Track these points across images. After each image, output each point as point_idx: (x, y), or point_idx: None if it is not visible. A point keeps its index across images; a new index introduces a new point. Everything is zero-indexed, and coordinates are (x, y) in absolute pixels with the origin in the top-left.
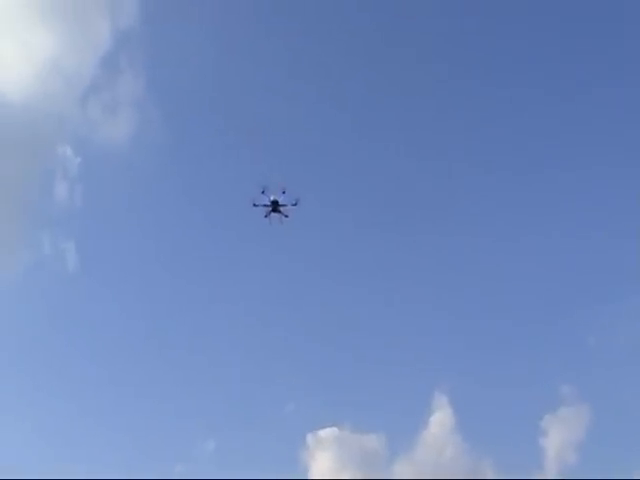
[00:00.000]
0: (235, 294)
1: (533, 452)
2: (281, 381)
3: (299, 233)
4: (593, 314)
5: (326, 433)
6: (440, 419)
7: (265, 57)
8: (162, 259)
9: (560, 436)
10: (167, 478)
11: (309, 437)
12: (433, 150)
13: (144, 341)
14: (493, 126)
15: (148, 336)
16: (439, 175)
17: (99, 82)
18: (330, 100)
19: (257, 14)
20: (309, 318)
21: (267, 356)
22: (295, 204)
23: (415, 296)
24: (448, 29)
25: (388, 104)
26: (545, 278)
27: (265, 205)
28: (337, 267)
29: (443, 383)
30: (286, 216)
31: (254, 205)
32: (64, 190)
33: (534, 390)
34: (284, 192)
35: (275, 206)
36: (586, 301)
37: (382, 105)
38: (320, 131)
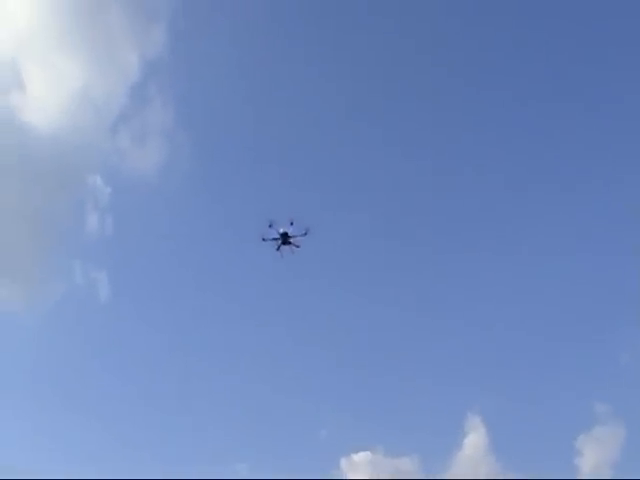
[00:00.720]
0: (268, 319)
1: (568, 472)
2: (314, 406)
3: (323, 259)
4: (626, 332)
5: (359, 457)
6: (474, 440)
7: (295, 82)
8: (193, 286)
9: (595, 455)
10: (167, 478)
11: (343, 461)
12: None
13: (176, 367)
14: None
15: (180, 363)
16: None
17: (128, 111)
18: (365, 122)
19: (285, 40)
20: (341, 344)
21: (300, 381)
22: (305, 234)
23: (445, 316)
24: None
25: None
26: (579, 296)
27: (274, 239)
28: (363, 290)
29: (476, 404)
30: (297, 246)
31: (263, 240)
32: (95, 220)
33: (568, 409)
34: (292, 223)
35: (285, 238)
36: (619, 320)
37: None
38: (353, 151)
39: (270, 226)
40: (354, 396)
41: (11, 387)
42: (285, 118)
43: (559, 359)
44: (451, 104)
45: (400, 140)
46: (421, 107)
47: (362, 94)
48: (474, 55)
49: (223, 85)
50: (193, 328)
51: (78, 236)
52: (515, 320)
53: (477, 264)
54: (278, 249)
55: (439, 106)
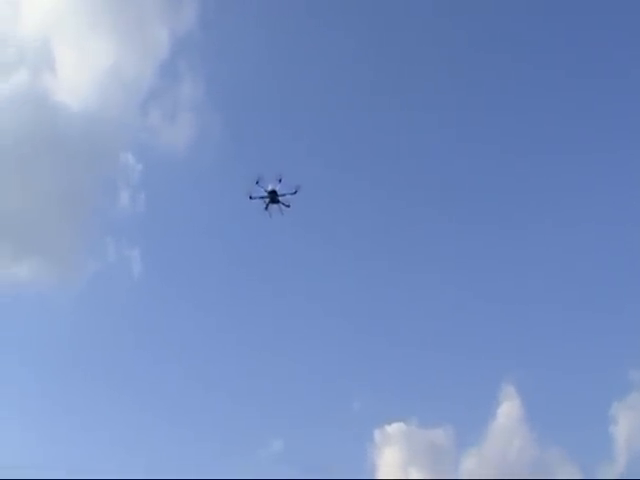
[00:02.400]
0: (298, 294)
1: (602, 440)
2: (347, 378)
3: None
4: None
5: (393, 429)
6: (508, 410)
7: (325, 57)
8: (225, 262)
9: (629, 423)
10: (167, 478)
11: (376, 433)
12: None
13: (210, 343)
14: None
15: (214, 338)
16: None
17: (159, 89)
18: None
19: (316, 14)
20: (373, 314)
21: (332, 353)
22: (295, 192)
23: (478, 285)
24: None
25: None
26: (612, 262)
27: (262, 197)
28: (394, 258)
29: (510, 373)
30: (287, 206)
31: (250, 198)
32: (127, 197)
33: (602, 377)
34: (280, 180)
35: (273, 196)
36: None
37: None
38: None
39: (257, 183)
40: (386, 367)
41: (45, 365)
42: (319, 91)
43: (592, 327)
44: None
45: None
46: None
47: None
48: None
49: (253, 61)
50: (224, 301)
51: (110, 213)
52: (547, 288)
53: (509, 235)
54: (266, 208)
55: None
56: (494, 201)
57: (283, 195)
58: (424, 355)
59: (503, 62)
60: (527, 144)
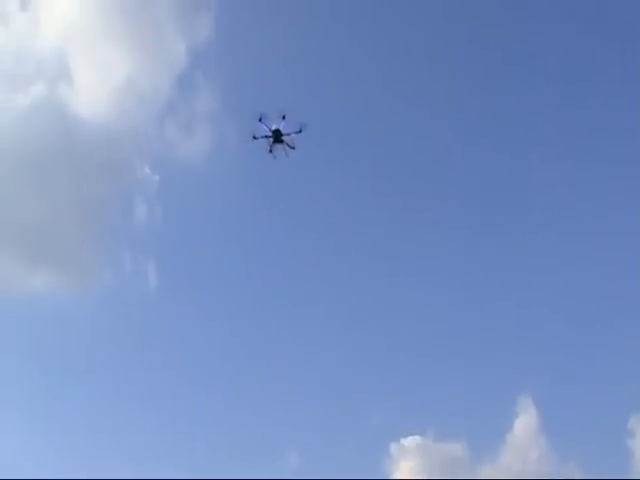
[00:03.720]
0: (317, 305)
1: (620, 453)
2: (363, 391)
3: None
4: None
5: (409, 442)
6: (525, 422)
7: (341, 64)
8: (243, 274)
9: None
10: (167, 477)
11: (392, 446)
12: None
13: (224, 356)
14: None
15: (228, 351)
16: None
17: (175, 100)
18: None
19: (332, 26)
20: (389, 326)
21: (348, 366)
22: (300, 131)
23: (494, 295)
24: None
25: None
26: (629, 274)
27: (266, 136)
28: (409, 264)
29: (527, 384)
30: (292, 147)
31: (254, 138)
32: (144, 209)
33: (619, 389)
34: (284, 117)
35: (277, 136)
36: None
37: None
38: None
39: (260, 120)
40: (402, 380)
41: (61, 376)
42: (335, 102)
43: (611, 337)
44: None
45: None
46: None
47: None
48: None
49: (270, 72)
50: (241, 313)
51: (127, 225)
52: (565, 297)
53: (529, 244)
54: (270, 150)
55: None
56: (510, 205)
57: (288, 134)
58: (440, 367)
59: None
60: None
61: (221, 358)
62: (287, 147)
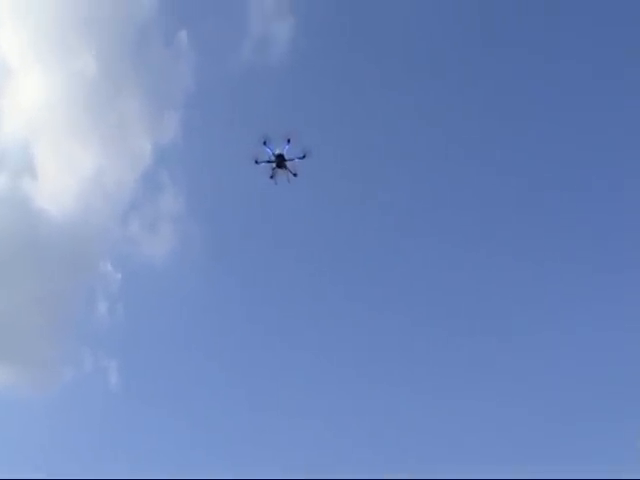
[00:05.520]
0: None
1: None
2: None
3: None
4: None
5: None
6: None
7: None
8: (205, 375)
9: None
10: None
11: None
12: None
13: (184, 456)
14: None
15: (188, 451)
16: None
17: (140, 198)
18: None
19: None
20: None
21: None
22: (303, 157)
23: None
24: None
25: None
26: None
27: (269, 161)
28: None
29: None
30: (294, 174)
31: (256, 162)
32: (105, 306)
33: None
34: (289, 141)
35: (280, 161)
36: None
37: None
38: None
39: (264, 143)
40: None
41: (17, 471)
42: (300, 208)
43: None
44: None
45: None
46: None
47: None
48: None
49: (235, 173)
50: (201, 415)
51: (88, 322)
52: None
53: None
54: (272, 177)
55: None
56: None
57: (291, 160)
58: None
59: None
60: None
61: (180, 457)
62: (290, 174)
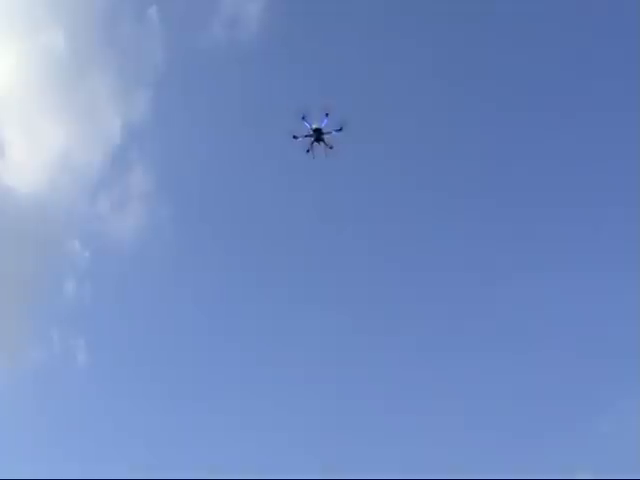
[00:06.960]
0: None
1: None
2: None
3: None
4: None
5: None
6: None
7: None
8: (172, 352)
9: None
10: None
11: None
12: None
13: (153, 435)
14: None
15: (157, 430)
16: None
17: (109, 176)
18: None
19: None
20: None
21: None
22: (340, 129)
23: None
24: None
25: None
26: None
27: (306, 136)
28: None
29: None
30: (331, 147)
31: (294, 137)
32: (73, 285)
33: None
34: (327, 115)
35: (318, 135)
36: None
37: None
38: None
39: (303, 118)
40: None
41: None
42: (267, 188)
43: None
44: None
45: None
46: None
47: None
48: None
49: (205, 151)
50: (170, 394)
51: (56, 301)
52: None
53: None
54: (309, 150)
55: None
56: None
57: (328, 133)
58: None
59: None
60: None
61: (148, 437)
62: (327, 148)
